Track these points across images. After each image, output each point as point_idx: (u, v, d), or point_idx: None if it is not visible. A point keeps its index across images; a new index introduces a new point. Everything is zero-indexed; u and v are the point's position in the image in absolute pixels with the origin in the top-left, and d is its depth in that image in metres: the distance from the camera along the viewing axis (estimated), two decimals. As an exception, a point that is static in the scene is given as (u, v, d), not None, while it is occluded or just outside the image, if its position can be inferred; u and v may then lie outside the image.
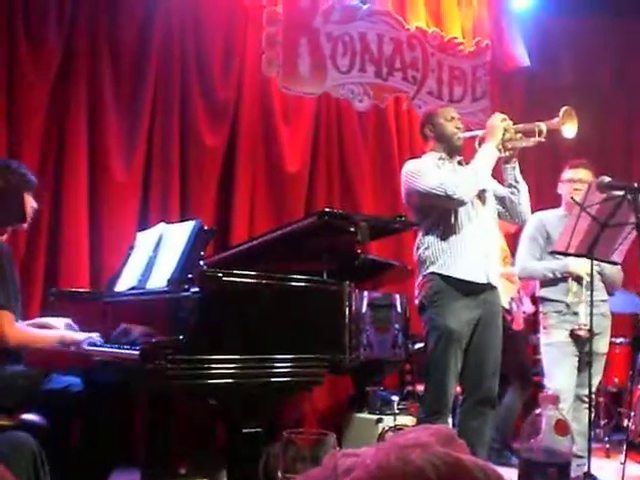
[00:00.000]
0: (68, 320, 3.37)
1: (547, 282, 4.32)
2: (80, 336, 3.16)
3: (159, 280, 3.10)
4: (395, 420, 4.45)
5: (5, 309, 2.97)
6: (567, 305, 4.24)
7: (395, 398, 4.62)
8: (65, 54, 4.86)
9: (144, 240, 3.59)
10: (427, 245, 3.64)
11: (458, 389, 3.82)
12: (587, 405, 4.19)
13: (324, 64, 5.83)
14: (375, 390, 4.83)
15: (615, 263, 4.08)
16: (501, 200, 3.78)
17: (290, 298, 2.87)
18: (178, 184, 5.15)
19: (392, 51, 6.14)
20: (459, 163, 3.75)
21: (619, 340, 5.66)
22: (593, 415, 4.17)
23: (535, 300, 4.71)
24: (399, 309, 4.81)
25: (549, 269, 4.26)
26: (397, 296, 4.86)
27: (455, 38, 6.43)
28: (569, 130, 3.53)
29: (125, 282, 3.46)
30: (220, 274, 2.68)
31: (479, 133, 3.76)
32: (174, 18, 5.24)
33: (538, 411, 1.32)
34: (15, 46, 4.69)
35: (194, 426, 4.15)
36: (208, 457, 3.87)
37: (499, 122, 3.62)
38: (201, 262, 2.88)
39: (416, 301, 3.73)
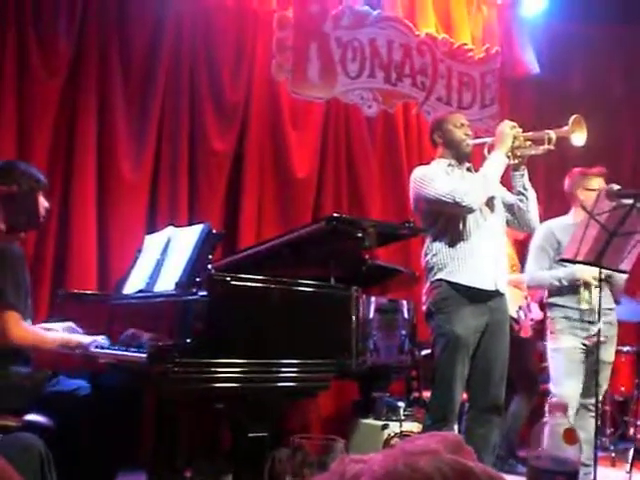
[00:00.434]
0: (71, 324, 3.38)
1: (555, 290, 4.30)
2: (86, 339, 3.17)
3: (167, 283, 3.11)
4: (401, 426, 4.44)
5: (14, 309, 2.98)
6: (578, 311, 4.21)
7: (401, 404, 4.61)
8: (75, 56, 4.88)
9: (152, 243, 3.60)
10: (435, 251, 3.63)
11: (465, 396, 3.81)
12: (592, 414, 4.19)
13: (334, 69, 5.84)
14: (381, 396, 4.82)
15: (623, 272, 4.07)
16: (509, 207, 3.78)
17: (297, 303, 2.87)
18: (186, 187, 5.16)
19: (401, 57, 6.14)
20: (468, 170, 3.75)
21: (625, 349, 5.64)
22: (599, 424, 4.16)
23: (543, 306, 4.69)
24: (406, 315, 4.80)
25: (556, 277, 4.24)
26: (404, 302, 4.85)
27: (465, 44, 6.43)
28: (578, 138, 3.53)
29: (133, 285, 3.47)
30: (228, 278, 2.69)
31: (488, 140, 3.76)
32: (184, 21, 5.26)
33: (547, 419, 1.32)
34: (25, 47, 4.71)
35: (200, 429, 4.15)
36: (214, 461, 3.87)
37: (508, 130, 3.61)
38: (209, 266, 2.88)
39: (423, 307, 3.72)
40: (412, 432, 4.31)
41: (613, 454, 5.40)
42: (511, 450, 5.02)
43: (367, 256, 3.16)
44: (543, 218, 4.07)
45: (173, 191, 5.11)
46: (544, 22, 6.68)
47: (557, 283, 4.24)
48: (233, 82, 5.43)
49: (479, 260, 3.58)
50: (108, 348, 3.08)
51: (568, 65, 6.85)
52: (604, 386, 4.29)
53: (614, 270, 4.04)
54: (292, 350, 2.80)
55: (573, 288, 4.23)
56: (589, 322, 4.19)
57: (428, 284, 3.68)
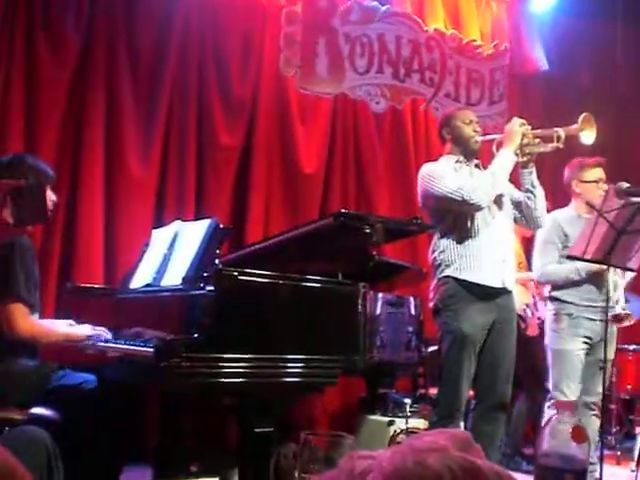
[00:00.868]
0: (71, 322, 3.38)
1: (561, 285, 4.26)
2: (85, 330, 3.17)
3: (174, 278, 3.11)
4: (407, 423, 4.44)
5: (22, 302, 2.99)
6: (582, 307, 4.19)
7: (407, 401, 4.61)
8: (83, 50, 4.87)
9: (159, 237, 3.60)
10: (442, 248, 3.63)
11: (471, 393, 3.81)
12: (595, 412, 4.19)
13: (342, 65, 5.83)
14: (387, 392, 4.83)
15: (631, 270, 4.05)
16: (517, 205, 3.76)
17: (305, 298, 2.87)
18: (194, 182, 5.16)
19: (410, 53, 6.12)
20: (476, 166, 3.74)
21: (632, 347, 5.63)
22: (604, 422, 4.14)
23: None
24: (413, 311, 4.80)
25: (573, 270, 4.17)
26: (411, 298, 4.85)
27: (473, 41, 6.42)
28: (588, 137, 3.51)
29: (140, 279, 3.47)
30: (236, 273, 2.69)
31: (497, 137, 3.75)
32: (192, 16, 5.25)
33: (555, 417, 1.31)
34: (33, 42, 4.71)
35: (206, 424, 4.15)
36: (219, 455, 3.87)
37: (517, 127, 3.60)
38: (216, 261, 2.88)
39: (430, 304, 3.72)
40: (418, 429, 4.31)
41: (619, 452, 5.39)
42: (516, 448, 5.01)
43: (374, 252, 3.15)
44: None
45: (180, 185, 5.11)
46: (553, 18, 6.65)
47: (576, 277, 4.17)
48: (241, 77, 5.42)
49: (487, 257, 3.57)
50: (116, 342, 3.08)
51: (577, 62, 6.83)
52: (602, 385, 4.26)
53: (622, 268, 4.03)
54: (299, 346, 2.80)
55: (583, 283, 4.20)
56: (585, 318, 4.18)
57: (435, 281, 3.68)
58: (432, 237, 3.75)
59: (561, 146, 3.53)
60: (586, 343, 4.20)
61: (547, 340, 4.33)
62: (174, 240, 3.38)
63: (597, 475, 3.91)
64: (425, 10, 6.24)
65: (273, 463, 2.90)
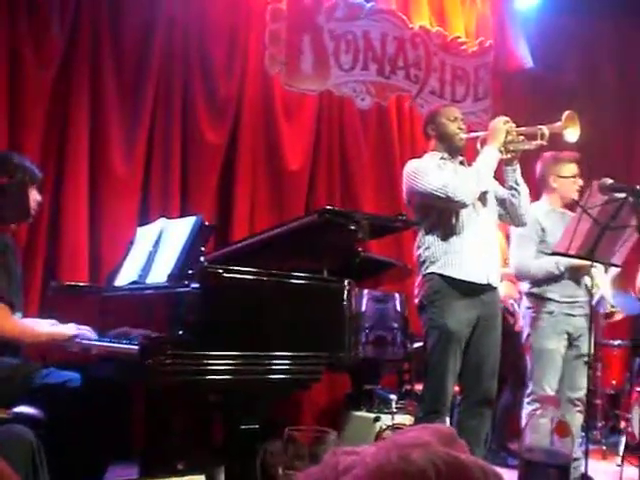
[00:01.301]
0: (53, 322, 3.36)
1: (541, 281, 4.28)
2: (69, 329, 3.15)
3: (159, 275, 3.10)
4: (393, 419, 4.45)
5: (3, 301, 2.97)
6: (562, 304, 4.21)
7: (393, 397, 4.62)
8: (67, 48, 4.85)
9: (144, 235, 3.59)
10: (427, 245, 3.64)
11: (457, 389, 3.82)
12: (578, 408, 4.22)
13: (327, 62, 5.83)
14: (373, 389, 4.84)
15: (616, 265, 4.08)
16: (502, 202, 3.78)
17: (290, 295, 2.87)
18: (179, 179, 5.15)
19: (395, 50, 6.14)
20: (461, 163, 3.76)
21: (617, 342, 5.67)
22: (589, 417, 4.17)
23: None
24: (398, 308, 4.82)
25: (553, 265, 4.19)
26: (397, 295, 4.86)
27: (458, 37, 6.44)
28: (571, 134, 3.53)
29: (125, 277, 3.46)
30: (221, 270, 2.68)
31: (481, 134, 3.76)
32: (177, 12, 5.23)
33: (539, 412, 1.32)
34: (18, 37, 4.69)
35: (192, 421, 4.15)
36: (206, 453, 3.87)
37: (502, 124, 3.62)
38: (202, 258, 2.87)
39: (416, 300, 3.73)
40: (404, 424, 4.33)
41: (604, 447, 5.43)
42: (502, 443, 5.04)
43: (360, 249, 3.15)
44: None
45: (165, 183, 5.10)
46: (537, 15, 6.68)
47: (556, 271, 4.19)
48: (226, 74, 5.41)
49: (471, 254, 3.59)
50: (101, 340, 3.07)
51: (561, 59, 6.85)
52: (585, 380, 4.29)
53: (606, 264, 4.06)
54: (284, 342, 2.80)
55: (558, 279, 4.21)
56: (565, 314, 4.20)
57: (420, 277, 3.70)
58: (417, 234, 3.77)
59: (545, 144, 3.56)
60: (567, 339, 4.23)
61: (526, 337, 4.32)
62: (159, 238, 3.37)
63: (582, 470, 3.95)
64: (410, 7, 6.26)
65: (259, 460, 2.89)
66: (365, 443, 1.19)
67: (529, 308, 4.32)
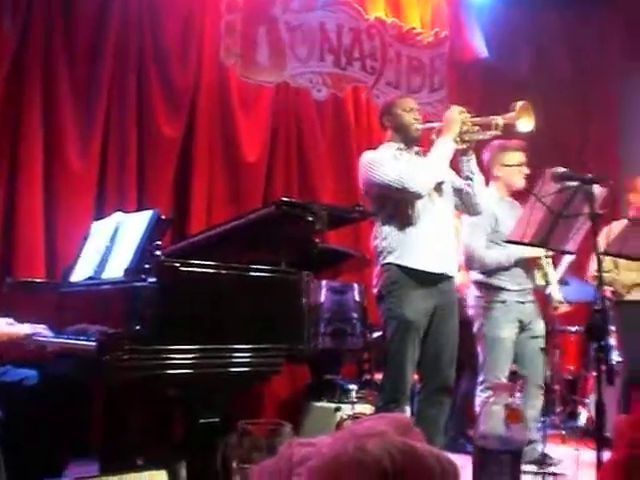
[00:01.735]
0: (10, 320, 3.31)
1: (493, 271, 4.33)
2: (25, 329, 3.11)
3: (116, 270, 3.07)
4: (353, 409, 4.48)
5: None
6: (514, 292, 4.29)
7: (353, 387, 4.65)
8: (19, 43, 4.76)
9: (100, 230, 3.55)
10: (384, 235, 3.66)
11: (416, 377, 3.86)
12: (541, 392, 4.29)
13: (283, 53, 5.82)
14: (333, 379, 4.86)
15: (570, 253, 4.15)
16: (457, 192, 3.81)
17: (248, 288, 2.86)
18: (135, 173, 5.09)
19: (351, 41, 6.15)
20: (417, 154, 3.78)
21: (574, 329, 5.76)
22: (548, 402, 4.25)
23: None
24: (357, 298, 4.84)
25: (506, 257, 4.27)
26: (355, 285, 4.88)
27: (414, 28, 6.47)
28: (525, 125, 3.57)
29: (81, 272, 3.42)
30: (178, 264, 2.67)
31: (437, 125, 3.78)
32: (131, 3, 5.17)
33: (492, 399, 1.34)
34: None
35: (152, 417, 4.12)
36: (166, 448, 3.85)
37: (456, 115, 3.64)
38: (158, 252, 2.85)
39: (374, 290, 3.75)
40: (364, 414, 4.34)
41: (563, 432, 5.52)
42: (461, 430, 5.09)
43: (318, 240, 3.16)
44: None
45: (121, 177, 5.04)
46: (492, 6, 6.74)
47: (506, 263, 4.27)
48: (181, 66, 5.37)
49: (428, 244, 3.62)
50: (58, 336, 3.04)
51: (515, 50, 6.92)
52: (543, 363, 4.38)
53: (560, 251, 4.12)
54: (243, 335, 2.80)
55: (511, 268, 4.29)
56: (521, 302, 4.28)
57: (378, 267, 3.72)
58: (375, 224, 3.78)
59: (499, 134, 3.60)
60: (518, 327, 4.32)
61: (478, 326, 4.38)
62: (115, 232, 3.34)
63: (540, 450, 4.02)
64: (366, -2, 6.27)
65: (220, 454, 2.89)
66: (326, 433, 1.20)
67: (480, 297, 4.37)
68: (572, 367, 5.84)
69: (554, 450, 4.50)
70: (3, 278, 4.04)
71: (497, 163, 4.42)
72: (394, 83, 6.33)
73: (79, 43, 4.98)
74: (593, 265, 4.39)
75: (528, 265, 4.31)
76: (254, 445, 1.06)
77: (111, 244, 3.29)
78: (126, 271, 2.92)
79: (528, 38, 6.95)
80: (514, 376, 4.40)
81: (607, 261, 3.77)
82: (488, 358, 4.29)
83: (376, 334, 4.74)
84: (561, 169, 3.58)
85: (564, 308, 4.42)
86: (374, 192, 3.68)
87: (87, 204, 4.85)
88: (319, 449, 1.12)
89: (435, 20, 6.60)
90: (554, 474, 3.90)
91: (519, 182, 4.38)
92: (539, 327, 4.35)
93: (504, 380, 4.22)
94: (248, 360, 2.80)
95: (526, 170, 4.36)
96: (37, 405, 3.00)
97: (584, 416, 5.42)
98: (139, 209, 4.34)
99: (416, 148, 3.79)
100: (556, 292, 4.32)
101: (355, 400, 4.56)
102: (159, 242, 3.05)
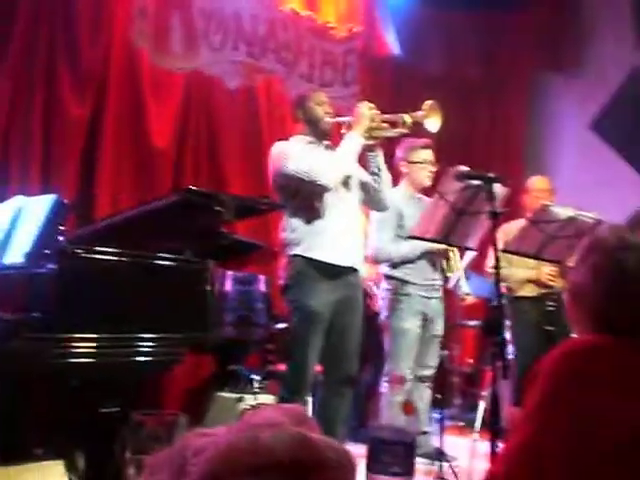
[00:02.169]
0: None
1: (398, 264, 4.46)
2: None
3: (16, 255, 2.99)
4: (256, 399, 4.49)
5: None
6: (417, 286, 4.42)
7: (256, 377, 4.67)
8: None
9: (0, 214, 3.45)
10: (292, 227, 3.68)
11: (319, 368, 3.90)
12: (426, 384, 4.43)
13: (196, 40, 5.76)
14: (237, 369, 4.86)
15: (471, 249, 4.28)
16: (364, 187, 3.86)
17: (152, 276, 2.84)
18: (40, 155, 4.96)
19: (266, 31, 6.13)
20: (327, 148, 3.81)
21: (472, 323, 5.92)
22: (446, 395, 4.37)
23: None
24: (263, 289, 4.85)
25: (411, 249, 4.38)
26: (261, 276, 4.89)
27: (328, 22, 6.49)
28: (432, 124, 3.65)
29: (-21, 257, 3.32)
30: (79, 250, 2.62)
31: (347, 119, 3.82)
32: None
33: (386, 392, 1.38)
34: None
35: (51, 406, 4.04)
36: (65, 438, 3.78)
37: (366, 111, 3.69)
38: (60, 237, 2.79)
39: (280, 282, 3.77)
40: (267, 404, 4.37)
41: (461, 423, 5.68)
42: (363, 420, 5.17)
43: (225, 230, 3.15)
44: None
45: (25, 158, 4.90)
46: (406, 4, 6.82)
47: (412, 256, 4.38)
48: (91, 47, 5.24)
49: (335, 237, 3.66)
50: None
51: (428, 48, 7.02)
52: (436, 359, 4.51)
53: (462, 247, 4.24)
54: (146, 324, 2.77)
55: (416, 262, 4.41)
56: (426, 297, 4.42)
57: (285, 259, 3.74)
58: (283, 216, 3.80)
59: (406, 131, 3.66)
60: (421, 320, 4.45)
61: (384, 318, 4.52)
62: (17, 216, 3.25)
63: (433, 442, 4.12)
64: (281, -11, 6.26)
65: (120, 443, 2.86)
66: (228, 423, 1.21)
67: (388, 290, 4.50)
68: (471, 360, 6.01)
69: (452, 441, 4.62)
70: None
71: (405, 160, 4.53)
72: (307, 76, 6.35)
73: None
74: (490, 261, 4.54)
75: (435, 258, 4.44)
76: (149, 436, 1.06)
77: (12, 228, 3.20)
78: (26, 256, 2.85)
79: (440, 38, 7.06)
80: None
81: (502, 258, 3.89)
82: (392, 349, 4.42)
83: (281, 325, 4.77)
84: (464, 168, 3.68)
85: (470, 299, 4.56)
86: (283, 184, 3.69)
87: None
88: (214, 440, 1.13)
89: (349, 15, 6.64)
90: (449, 464, 4.00)
91: (425, 179, 4.49)
92: (440, 326, 4.48)
93: (408, 371, 4.34)
94: (151, 349, 2.78)
95: (432, 168, 4.47)
96: None
97: (482, 408, 5.57)
98: (44, 192, 4.22)
99: (326, 142, 3.82)
100: (464, 283, 4.45)
101: (258, 390, 4.58)
102: (61, 227, 2.99)
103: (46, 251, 2.67)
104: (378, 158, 3.80)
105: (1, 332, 2.45)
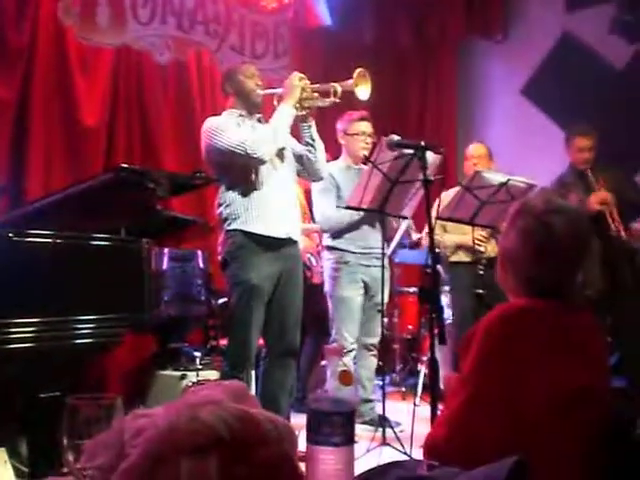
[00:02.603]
0: None
1: (339, 233, 4.52)
2: None
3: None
4: (198, 375, 4.48)
5: None
6: (356, 255, 4.50)
7: (198, 354, 4.66)
8: None
9: None
10: (228, 202, 3.66)
11: (261, 342, 3.91)
12: (372, 353, 4.59)
13: (123, 14, 5.64)
14: (179, 347, 4.84)
15: (405, 217, 4.34)
16: (299, 158, 3.86)
17: (87, 257, 2.80)
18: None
19: (194, 4, 6.04)
20: (259, 120, 3.79)
21: (412, 289, 6.00)
22: (388, 361, 4.44)
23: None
24: (201, 265, 4.82)
25: (349, 215, 4.41)
26: (199, 252, 4.86)
27: (258, -6, 6.43)
28: (362, 92, 3.66)
29: None
30: (11, 234, 2.57)
31: (278, 91, 3.80)
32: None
33: (324, 363, 1.39)
34: None
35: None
36: (6, 424, 3.72)
37: (297, 81, 3.67)
38: (-10, 221, 2.74)
39: (219, 257, 3.76)
40: (210, 380, 4.36)
41: (403, 389, 5.77)
42: (306, 391, 5.20)
43: (159, 207, 3.12)
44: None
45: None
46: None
47: (350, 220, 4.44)
48: (16, 25, 5.08)
49: (272, 209, 3.65)
50: None
51: (359, 17, 6.99)
52: (380, 327, 4.58)
53: (396, 216, 4.30)
54: (83, 306, 2.74)
55: (354, 230, 4.50)
56: (366, 265, 4.48)
57: (223, 234, 3.72)
58: (218, 191, 3.78)
59: (338, 100, 3.66)
60: (363, 288, 4.52)
61: (327, 288, 4.61)
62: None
63: (378, 411, 4.18)
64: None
65: (63, 428, 2.82)
66: (172, 402, 1.20)
67: (329, 260, 4.57)
68: (411, 327, 6.10)
69: (394, 407, 4.70)
70: None
71: (341, 132, 4.58)
72: (238, 48, 6.29)
73: None
74: (425, 229, 4.61)
75: (374, 227, 4.50)
76: (85, 420, 1.05)
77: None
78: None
79: (371, 7, 7.04)
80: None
81: (437, 225, 3.96)
82: (335, 318, 4.49)
83: (221, 300, 4.76)
84: (395, 137, 3.71)
85: (425, 241, 4.66)
86: (217, 159, 3.66)
87: None
88: (154, 420, 1.13)
89: (279, -14, 6.59)
90: (393, 429, 4.06)
91: (361, 150, 4.52)
92: (383, 295, 4.51)
93: (351, 340, 4.40)
94: (89, 331, 2.75)
95: (368, 139, 4.50)
96: None
97: (423, 374, 5.67)
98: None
99: (258, 115, 3.80)
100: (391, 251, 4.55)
101: (200, 367, 4.57)
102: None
103: (-24, 235, 2.61)
104: (311, 128, 3.79)
105: None
